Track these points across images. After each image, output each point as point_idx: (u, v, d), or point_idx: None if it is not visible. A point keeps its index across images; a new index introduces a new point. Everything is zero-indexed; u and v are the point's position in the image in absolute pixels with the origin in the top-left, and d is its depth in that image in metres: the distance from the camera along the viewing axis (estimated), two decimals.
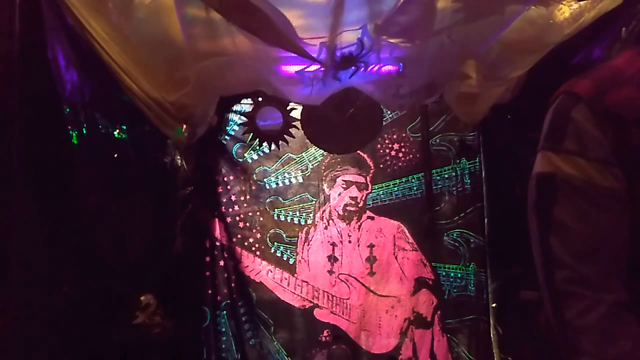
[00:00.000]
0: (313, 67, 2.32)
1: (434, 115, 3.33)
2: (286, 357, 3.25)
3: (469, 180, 3.33)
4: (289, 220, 3.31)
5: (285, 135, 3.05)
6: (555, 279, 1.00)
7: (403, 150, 3.35)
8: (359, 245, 3.31)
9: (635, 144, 0.97)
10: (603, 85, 1.02)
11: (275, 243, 3.29)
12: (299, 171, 3.32)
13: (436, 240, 3.33)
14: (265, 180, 3.30)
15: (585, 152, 0.99)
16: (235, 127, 3.26)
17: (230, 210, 3.28)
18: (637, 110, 0.98)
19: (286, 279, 3.27)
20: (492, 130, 3.18)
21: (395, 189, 3.34)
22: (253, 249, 3.27)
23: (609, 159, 0.98)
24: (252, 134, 3.09)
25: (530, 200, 1.07)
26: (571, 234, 1.00)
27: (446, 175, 3.34)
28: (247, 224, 3.28)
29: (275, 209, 3.30)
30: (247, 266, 3.25)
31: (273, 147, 3.12)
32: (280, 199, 3.31)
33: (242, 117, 3.14)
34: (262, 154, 3.31)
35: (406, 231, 3.34)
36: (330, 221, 3.32)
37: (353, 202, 3.33)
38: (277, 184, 3.32)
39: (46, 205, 1.97)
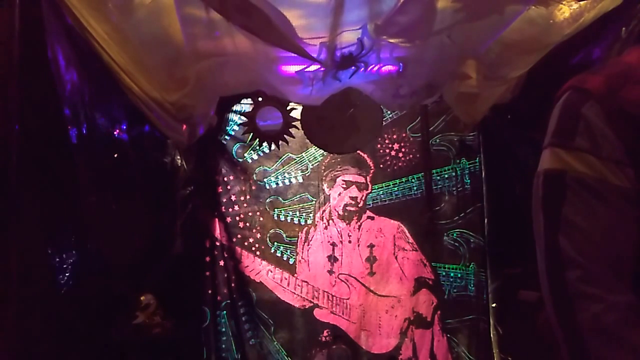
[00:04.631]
0: (313, 67, 2.32)
1: (434, 115, 3.34)
2: (286, 357, 3.25)
3: (469, 180, 3.34)
4: (289, 220, 3.31)
5: (285, 135, 3.05)
6: (567, 279, 0.95)
7: (403, 150, 3.35)
8: (359, 245, 3.31)
9: None
10: (615, 82, 0.99)
11: (275, 243, 3.29)
12: (299, 171, 3.32)
13: (436, 240, 3.34)
14: (265, 180, 3.30)
15: (598, 151, 0.96)
16: (235, 127, 3.26)
17: (230, 210, 3.28)
18: None
19: (286, 279, 3.27)
20: (492, 130, 3.18)
21: (395, 189, 3.34)
22: (253, 249, 3.27)
23: (622, 159, 0.95)
24: (252, 134, 3.09)
25: (536, 197, 1.03)
26: (582, 233, 0.96)
27: (446, 175, 3.34)
28: (247, 224, 3.28)
29: (275, 209, 3.30)
30: (247, 266, 3.25)
31: (273, 147, 3.12)
32: (280, 199, 3.31)
33: (242, 117, 3.14)
34: (262, 154, 3.31)
35: (406, 231, 3.35)
36: (330, 221, 3.32)
37: (353, 202, 3.33)
38: (277, 184, 3.32)
39: (46, 205, 1.97)
